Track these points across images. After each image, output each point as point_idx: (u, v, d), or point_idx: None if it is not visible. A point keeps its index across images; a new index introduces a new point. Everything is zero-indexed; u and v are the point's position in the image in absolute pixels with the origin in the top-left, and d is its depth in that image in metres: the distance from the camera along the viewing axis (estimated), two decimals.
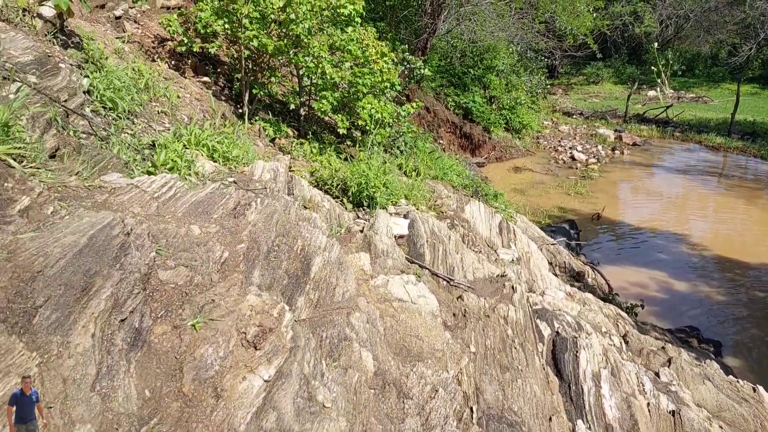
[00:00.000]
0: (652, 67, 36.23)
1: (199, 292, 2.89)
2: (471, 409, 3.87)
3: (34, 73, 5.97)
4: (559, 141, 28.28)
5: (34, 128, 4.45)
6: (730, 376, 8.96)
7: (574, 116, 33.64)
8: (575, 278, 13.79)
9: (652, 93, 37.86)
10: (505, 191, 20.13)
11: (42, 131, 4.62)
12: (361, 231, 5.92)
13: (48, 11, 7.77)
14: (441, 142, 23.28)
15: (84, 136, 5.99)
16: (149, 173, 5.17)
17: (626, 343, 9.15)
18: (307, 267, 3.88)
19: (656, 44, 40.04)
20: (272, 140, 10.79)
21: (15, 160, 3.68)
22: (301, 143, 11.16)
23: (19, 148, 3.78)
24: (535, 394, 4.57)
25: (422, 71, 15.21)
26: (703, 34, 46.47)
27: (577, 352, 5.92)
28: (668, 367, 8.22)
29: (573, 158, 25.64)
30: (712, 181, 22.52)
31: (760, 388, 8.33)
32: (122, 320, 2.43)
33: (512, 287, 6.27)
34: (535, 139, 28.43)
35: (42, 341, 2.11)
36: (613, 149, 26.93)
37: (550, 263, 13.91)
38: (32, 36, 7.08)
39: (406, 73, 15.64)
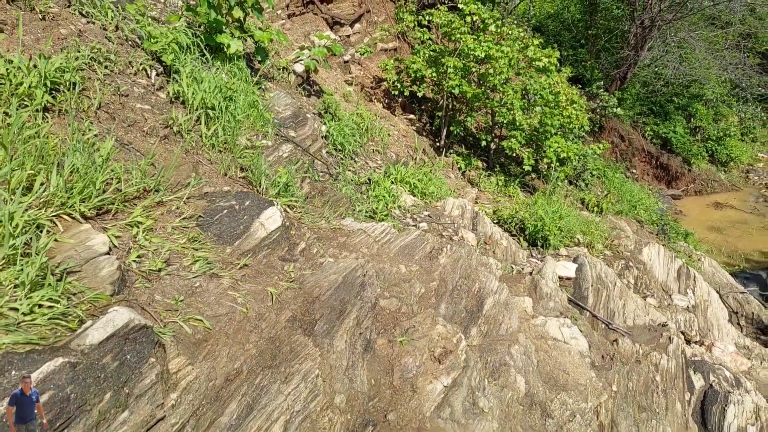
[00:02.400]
0: None
1: (405, 318, 4.29)
2: None
3: (291, 126, 7.94)
4: None
5: (296, 179, 6.27)
6: None
7: None
8: (763, 332, 13.21)
9: None
10: (699, 229, 19.32)
11: (301, 180, 6.45)
12: (530, 273, 6.99)
13: (299, 67, 9.94)
14: (634, 171, 22.86)
15: (321, 174, 7.84)
16: (371, 218, 6.81)
17: None
18: (480, 305, 5.12)
19: None
20: (463, 172, 12.16)
21: (289, 208, 5.44)
22: (489, 175, 12.40)
23: (293, 200, 5.54)
24: None
25: (614, 110, 15.49)
26: None
27: (725, 406, 6.37)
28: None
29: None
30: None
31: None
32: (360, 333, 3.89)
33: (669, 337, 6.86)
34: (744, 173, 26.33)
35: (319, 342, 3.62)
36: None
37: (735, 312, 13.49)
38: (287, 89, 9.22)
39: (598, 110, 16.03)
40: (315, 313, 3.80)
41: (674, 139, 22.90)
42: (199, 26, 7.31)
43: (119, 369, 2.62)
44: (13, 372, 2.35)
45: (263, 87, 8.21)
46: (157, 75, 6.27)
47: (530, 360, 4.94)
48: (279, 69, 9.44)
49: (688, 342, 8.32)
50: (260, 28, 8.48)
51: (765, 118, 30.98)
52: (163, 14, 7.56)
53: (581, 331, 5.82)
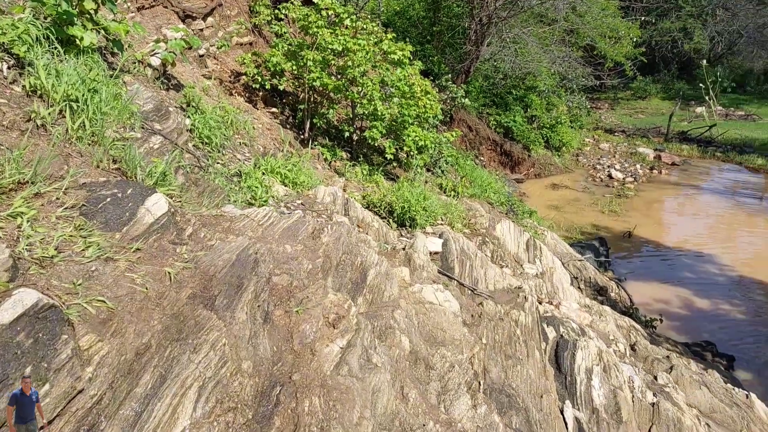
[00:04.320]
0: (701, 84, 36.38)
1: (298, 291, 4.54)
2: (479, 382, 5.40)
3: (155, 120, 7.79)
4: (598, 159, 29.01)
5: (171, 170, 6.21)
6: (728, 384, 10.10)
7: (616, 134, 34.06)
8: (599, 292, 14.95)
9: (699, 110, 37.39)
10: (541, 208, 21.32)
11: (176, 171, 6.40)
12: (404, 249, 7.53)
13: (155, 61, 9.70)
14: (482, 158, 24.58)
15: (191, 167, 7.78)
16: (250, 204, 6.92)
17: (634, 350, 10.43)
18: (364, 276, 5.51)
19: (705, 62, 39.77)
20: (329, 163, 12.51)
21: (169, 196, 5.42)
22: (354, 165, 12.87)
23: (171, 189, 5.53)
24: (530, 376, 6.07)
25: (463, 100, 16.71)
26: (757, 50, 45.85)
27: (574, 351, 7.35)
28: (669, 373, 9.46)
29: (610, 176, 26.37)
30: (748, 202, 22.94)
31: (753, 395, 9.50)
32: (258, 306, 4.09)
33: (525, 297, 7.74)
34: (575, 156, 29.17)
35: (222, 315, 3.77)
36: (651, 168, 27.39)
37: (576, 278, 15.12)
38: (145, 83, 8.97)
39: (448, 102, 17.18)
40: (214, 289, 3.93)
41: (514, 127, 24.99)
42: (46, 18, 6.91)
43: (35, 346, 2.63)
44: None
45: (122, 81, 7.94)
46: (9, 68, 5.91)
47: (412, 322, 5.42)
48: (134, 62, 9.14)
49: (540, 302, 9.37)
50: (114, 20, 8.17)
51: (589, 107, 34.67)
52: (3, 4, 7.05)
53: (453, 295, 6.44)
